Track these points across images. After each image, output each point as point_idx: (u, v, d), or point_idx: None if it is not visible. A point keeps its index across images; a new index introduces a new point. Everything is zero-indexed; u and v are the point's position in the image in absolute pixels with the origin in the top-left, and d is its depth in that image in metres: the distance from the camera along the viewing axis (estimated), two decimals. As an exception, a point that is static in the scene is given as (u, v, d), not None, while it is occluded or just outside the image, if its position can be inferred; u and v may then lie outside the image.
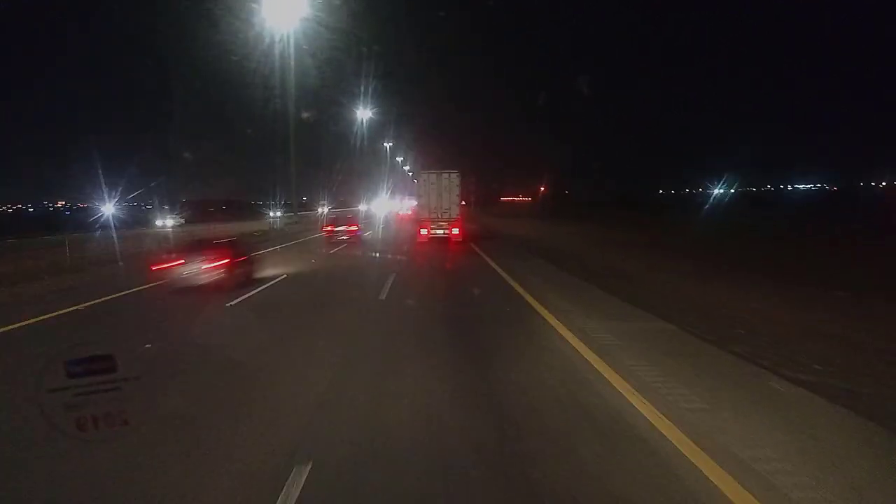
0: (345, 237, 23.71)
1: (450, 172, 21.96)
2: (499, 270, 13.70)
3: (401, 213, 53.45)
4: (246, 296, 10.51)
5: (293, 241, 25.98)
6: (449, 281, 13.10)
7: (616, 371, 5.48)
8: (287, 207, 48.32)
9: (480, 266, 15.12)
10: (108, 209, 44.91)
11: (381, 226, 34.68)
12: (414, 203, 29.90)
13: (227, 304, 9.80)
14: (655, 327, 7.47)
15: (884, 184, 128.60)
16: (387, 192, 57.80)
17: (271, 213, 48.84)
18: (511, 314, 8.65)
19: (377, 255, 18.87)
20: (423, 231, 21.84)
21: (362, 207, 50.64)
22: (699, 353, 6.14)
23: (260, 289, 11.38)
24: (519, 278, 12.14)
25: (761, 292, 10.36)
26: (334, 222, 25.89)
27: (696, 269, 14.50)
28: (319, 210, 50.68)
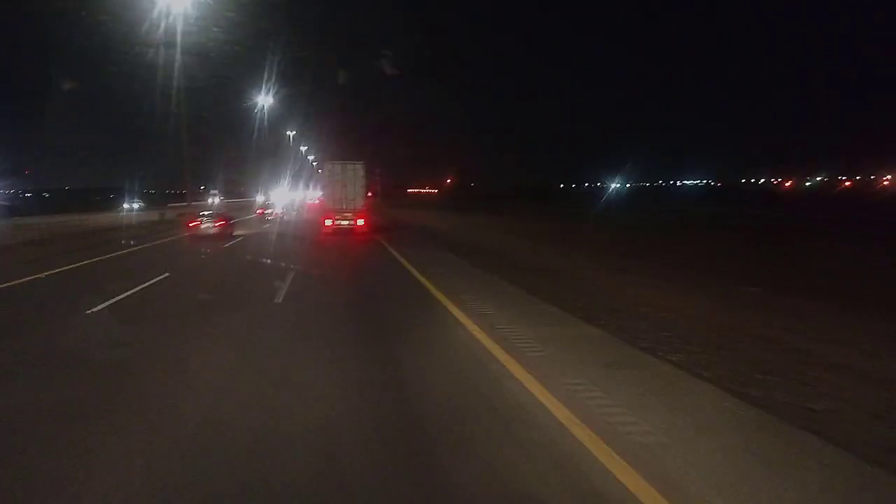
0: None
1: (354, 163, 21.96)
2: (410, 268, 12.61)
3: (304, 203, 51.51)
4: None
5: (157, 239, 21.35)
6: (355, 281, 11.91)
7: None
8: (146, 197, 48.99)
9: (389, 262, 14.01)
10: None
11: (279, 218, 33.07)
12: (319, 194, 30.52)
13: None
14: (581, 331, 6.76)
15: (762, 180, 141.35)
16: (288, 183, 54.87)
17: (126, 205, 45.76)
18: (422, 316, 7.68)
19: (265, 255, 15.75)
20: (328, 222, 21.53)
21: (260, 198, 47.06)
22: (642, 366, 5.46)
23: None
24: (429, 274, 11.15)
25: (675, 291, 10.11)
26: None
27: (602, 260, 14.55)
28: (210, 200, 46.62)
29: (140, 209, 42.66)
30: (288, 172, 54.85)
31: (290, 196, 50.40)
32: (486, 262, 13.38)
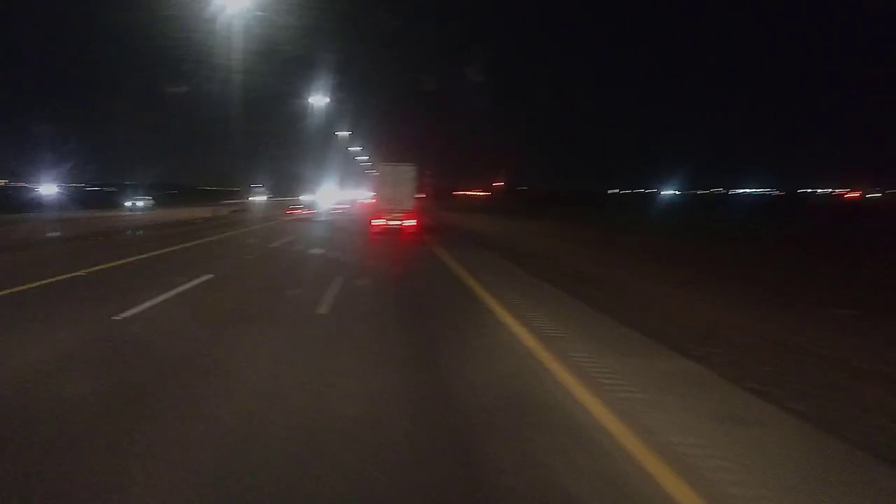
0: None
1: (406, 165, 22.47)
2: (464, 276, 11.70)
3: (355, 203, 51.28)
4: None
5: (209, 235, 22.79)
6: (402, 290, 10.84)
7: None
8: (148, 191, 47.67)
9: (440, 268, 13.12)
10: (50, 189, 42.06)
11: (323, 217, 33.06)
12: (368, 194, 31.05)
13: None
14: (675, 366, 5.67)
15: (825, 191, 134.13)
16: (337, 182, 54.62)
17: (129, 203, 43.35)
18: (481, 339, 6.66)
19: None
20: (379, 221, 21.88)
21: (306, 197, 45.80)
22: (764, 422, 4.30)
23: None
24: (485, 284, 10.21)
25: (757, 311, 8.83)
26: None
27: (667, 273, 13.21)
28: (252, 199, 44.24)
29: (146, 207, 42.22)
30: (336, 172, 54.86)
31: (338, 195, 49.65)
32: (542, 270, 12.39)
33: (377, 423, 4.15)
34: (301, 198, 47.47)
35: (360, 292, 10.04)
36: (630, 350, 6.16)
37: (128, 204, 42.76)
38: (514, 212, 47.64)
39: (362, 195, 56.23)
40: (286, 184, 76.24)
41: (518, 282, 11.08)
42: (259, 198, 44.06)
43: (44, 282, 10.00)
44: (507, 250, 17.19)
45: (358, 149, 70.05)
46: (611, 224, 34.13)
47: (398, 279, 11.93)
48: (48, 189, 44.31)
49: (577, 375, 5.15)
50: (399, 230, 21.47)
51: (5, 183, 75.58)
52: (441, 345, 6.38)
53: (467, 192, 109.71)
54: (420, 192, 26.41)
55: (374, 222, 22.10)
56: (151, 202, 44.28)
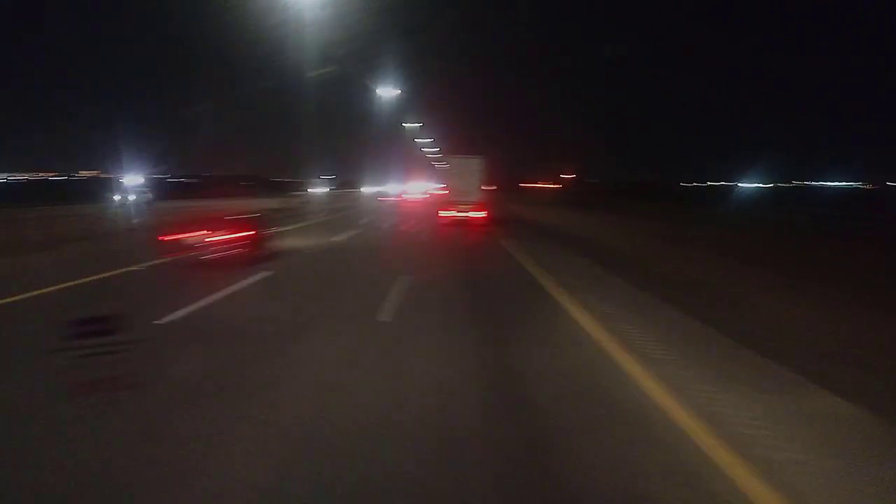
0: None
1: (475, 158, 22.72)
2: (540, 277, 10.66)
3: (418, 195, 50.89)
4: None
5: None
6: (471, 294, 9.58)
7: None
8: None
9: (512, 267, 12.14)
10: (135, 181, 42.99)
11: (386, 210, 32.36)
12: (434, 186, 31.66)
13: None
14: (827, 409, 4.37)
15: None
16: (401, 174, 53.77)
17: (117, 196, 34.76)
18: (565, 363, 5.54)
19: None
20: (447, 213, 22.39)
21: (366, 188, 44.74)
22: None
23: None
24: (566, 287, 9.14)
25: None
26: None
27: (761, 273, 11.69)
28: (312, 190, 39.23)
29: (140, 200, 34.82)
30: (403, 164, 54.12)
31: (412, 186, 48.46)
32: (626, 271, 11.23)
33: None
34: (384, 188, 46.98)
35: (429, 291, 9.25)
36: (759, 382, 4.91)
37: (116, 198, 34.09)
38: (585, 205, 45.33)
39: (432, 187, 55.99)
40: (352, 175, 76.55)
41: (604, 286, 9.88)
42: (320, 189, 40.72)
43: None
44: (583, 247, 15.98)
45: (427, 140, 69.89)
46: (695, 219, 31.54)
47: (468, 278, 10.97)
48: (134, 180, 45.64)
49: (707, 423, 3.95)
50: (467, 221, 21.72)
51: (98, 174, 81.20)
52: (517, 364, 5.42)
53: (536, 185, 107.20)
54: (488, 184, 26.44)
55: (443, 214, 22.54)
56: (149, 195, 36.58)
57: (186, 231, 10.67)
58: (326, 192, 38.26)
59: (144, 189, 37.92)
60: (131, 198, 34.18)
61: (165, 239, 11.02)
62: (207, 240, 10.50)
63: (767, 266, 12.77)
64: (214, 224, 10.78)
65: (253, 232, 11.37)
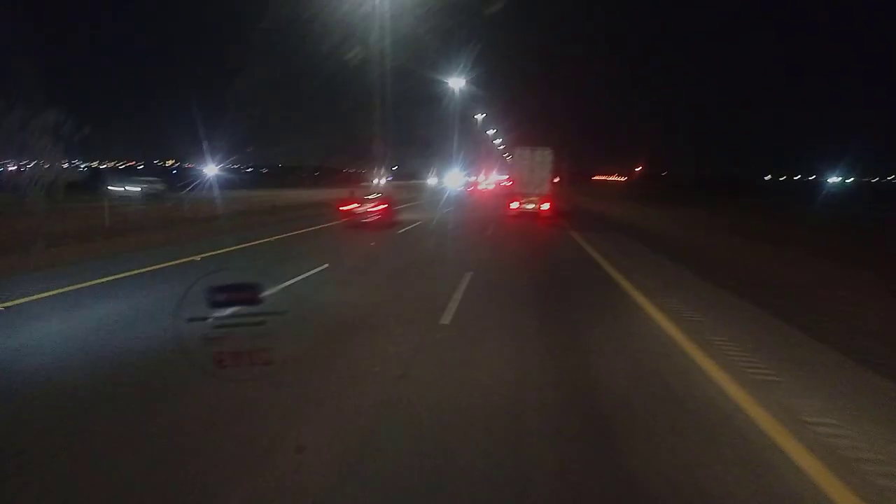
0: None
1: (543, 149, 22.74)
2: (621, 280, 9.80)
3: (491, 185, 50.11)
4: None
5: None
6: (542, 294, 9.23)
7: None
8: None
9: (588, 267, 11.41)
10: (212, 171, 44.09)
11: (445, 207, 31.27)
12: (500, 178, 31.37)
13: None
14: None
15: None
16: (464, 165, 52.14)
17: (120, 188, 31.65)
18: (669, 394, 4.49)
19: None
20: (514, 205, 22.54)
21: (432, 179, 42.45)
22: None
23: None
24: (646, 290, 8.39)
25: None
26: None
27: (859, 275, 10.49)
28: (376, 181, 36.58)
29: (149, 193, 32.67)
30: (463, 155, 52.72)
31: (452, 179, 46.43)
32: (715, 274, 10.07)
33: None
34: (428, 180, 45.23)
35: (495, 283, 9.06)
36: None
37: (117, 190, 31.19)
38: (656, 199, 42.80)
39: (500, 178, 55.29)
40: (414, 166, 74.84)
41: (687, 289, 9.00)
42: (381, 181, 37.72)
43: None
44: (653, 243, 15.09)
45: (493, 131, 68.92)
46: (769, 215, 29.14)
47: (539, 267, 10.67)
48: (210, 170, 46.60)
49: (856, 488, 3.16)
50: (535, 214, 21.99)
51: (174, 163, 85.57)
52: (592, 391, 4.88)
53: (606, 178, 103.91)
54: (556, 176, 26.96)
55: (511, 205, 22.69)
56: (159, 186, 34.40)
57: (352, 204, 17.82)
58: (385, 184, 35.05)
59: (153, 180, 36.35)
60: (135, 189, 32.47)
61: (342, 208, 18.14)
62: (365, 209, 17.55)
63: (853, 266, 11.46)
64: (365, 200, 17.91)
65: (387, 205, 18.01)
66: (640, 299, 7.93)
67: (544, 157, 22.55)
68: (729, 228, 20.90)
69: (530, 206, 22.19)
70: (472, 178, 53.23)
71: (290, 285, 8.52)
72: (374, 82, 27.22)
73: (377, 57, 26.46)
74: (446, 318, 6.66)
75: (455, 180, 40.54)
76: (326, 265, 10.25)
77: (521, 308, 7.43)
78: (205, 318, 2.52)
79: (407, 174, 70.80)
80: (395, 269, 10.47)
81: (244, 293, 2.54)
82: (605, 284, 9.31)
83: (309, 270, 9.65)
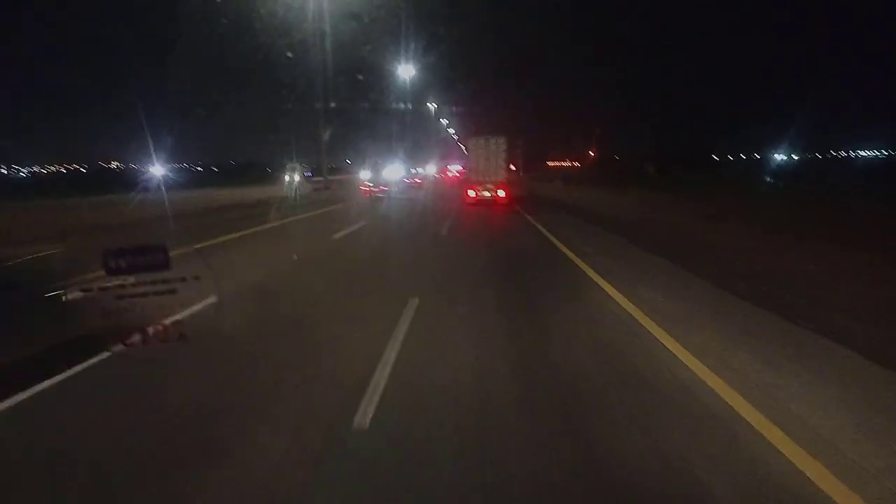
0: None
1: (497, 138, 23.27)
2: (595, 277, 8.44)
3: (455, 173, 49.66)
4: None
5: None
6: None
7: None
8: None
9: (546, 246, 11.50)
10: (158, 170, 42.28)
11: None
12: (456, 166, 31.51)
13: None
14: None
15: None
16: (409, 157, 48.57)
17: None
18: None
19: None
20: (472, 193, 23.21)
21: (364, 173, 38.84)
22: None
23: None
24: (622, 284, 7.61)
25: None
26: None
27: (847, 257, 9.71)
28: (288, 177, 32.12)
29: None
30: (411, 146, 49.86)
31: (403, 170, 43.11)
32: (702, 266, 8.90)
33: None
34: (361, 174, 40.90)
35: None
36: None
37: None
38: (613, 182, 42.68)
39: (450, 167, 55.10)
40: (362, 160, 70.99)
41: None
42: (293, 176, 32.69)
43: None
44: (621, 229, 14.04)
45: (446, 122, 68.78)
46: (729, 194, 29.15)
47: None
48: (158, 171, 44.88)
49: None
50: (492, 201, 22.73)
51: (117, 166, 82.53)
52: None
53: (560, 164, 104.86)
54: (511, 164, 26.33)
55: (468, 193, 23.38)
56: None
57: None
58: (299, 181, 31.19)
59: None
60: None
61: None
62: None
63: (837, 250, 10.57)
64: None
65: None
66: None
67: (499, 145, 23.06)
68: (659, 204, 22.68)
69: (487, 194, 22.83)
70: (420, 170, 52.11)
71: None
72: (317, 75, 26.70)
73: (319, 50, 25.94)
74: (362, 418, 3.70)
75: (397, 173, 38.12)
76: (213, 299, 4.81)
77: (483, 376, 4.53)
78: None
79: (345, 169, 67.09)
80: (305, 306, 7.01)
81: (149, 256, 2.31)
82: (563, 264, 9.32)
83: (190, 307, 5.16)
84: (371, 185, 29.25)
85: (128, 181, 39.97)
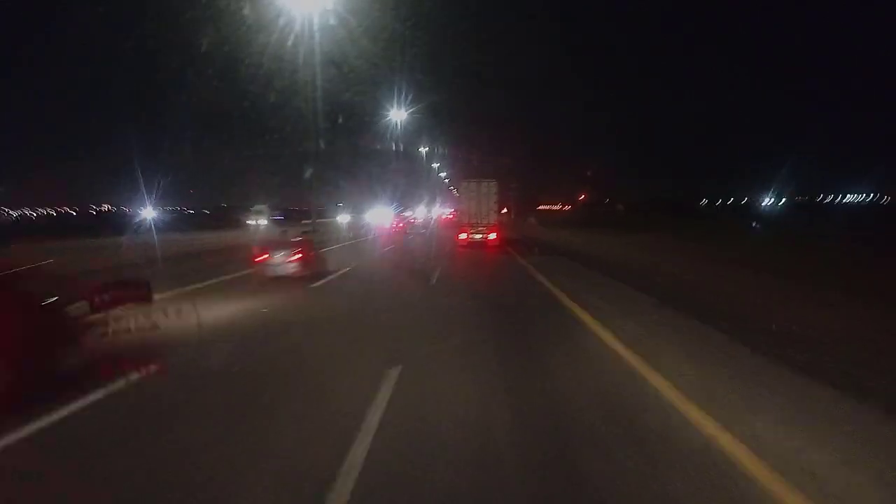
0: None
1: (488, 181, 23.58)
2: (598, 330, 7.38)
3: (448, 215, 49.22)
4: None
5: None
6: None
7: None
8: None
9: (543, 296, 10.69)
10: (149, 213, 41.76)
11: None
12: (447, 210, 32.55)
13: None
14: None
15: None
16: (393, 201, 48.91)
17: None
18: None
19: None
20: (463, 235, 23.20)
21: (343, 217, 38.17)
22: None
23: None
24: (634, 342, 6.51)
25: None
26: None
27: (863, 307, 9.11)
28: (254, 221, 31.55)
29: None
30: (395, 191, 49.38)
31: (377, 215, 43.36)
32: (714, 317, 7.95)
33: None
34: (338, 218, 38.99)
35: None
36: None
37: None
38: (605, 226, 42.37)
39: (441, 211, 55.15)
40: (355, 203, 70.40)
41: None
42: (258, 220, 31.61)
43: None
44: (619, 274, 13.41)
45: (437, 165, 68.41)
46: (727, 239, 28.35)
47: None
48: (149, 213, 44.68)
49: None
50: (483, 243, 22.68)
51: (109, 208, 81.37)
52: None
53: (550, 206, 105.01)
54: (503, 207, 26.54)
55: (459, 236, 23.43)
56: None
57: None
58: (264, 225, 30.01)
59: None
60: None
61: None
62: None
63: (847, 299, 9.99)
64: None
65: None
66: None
67: (490, 188, 23.25)
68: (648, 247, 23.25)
69: (478, 237, 22.87)
70: (408, 213, 51.08)
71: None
72: (308, 120, 26.08)
73: (311, 95, 25.40)
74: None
75: (382, 216, 36.92)
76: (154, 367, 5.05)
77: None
78: None
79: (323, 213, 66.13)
80: (261, 383, 5.35)
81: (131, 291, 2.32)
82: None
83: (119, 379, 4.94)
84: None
85: (116, 224, 39.66)
